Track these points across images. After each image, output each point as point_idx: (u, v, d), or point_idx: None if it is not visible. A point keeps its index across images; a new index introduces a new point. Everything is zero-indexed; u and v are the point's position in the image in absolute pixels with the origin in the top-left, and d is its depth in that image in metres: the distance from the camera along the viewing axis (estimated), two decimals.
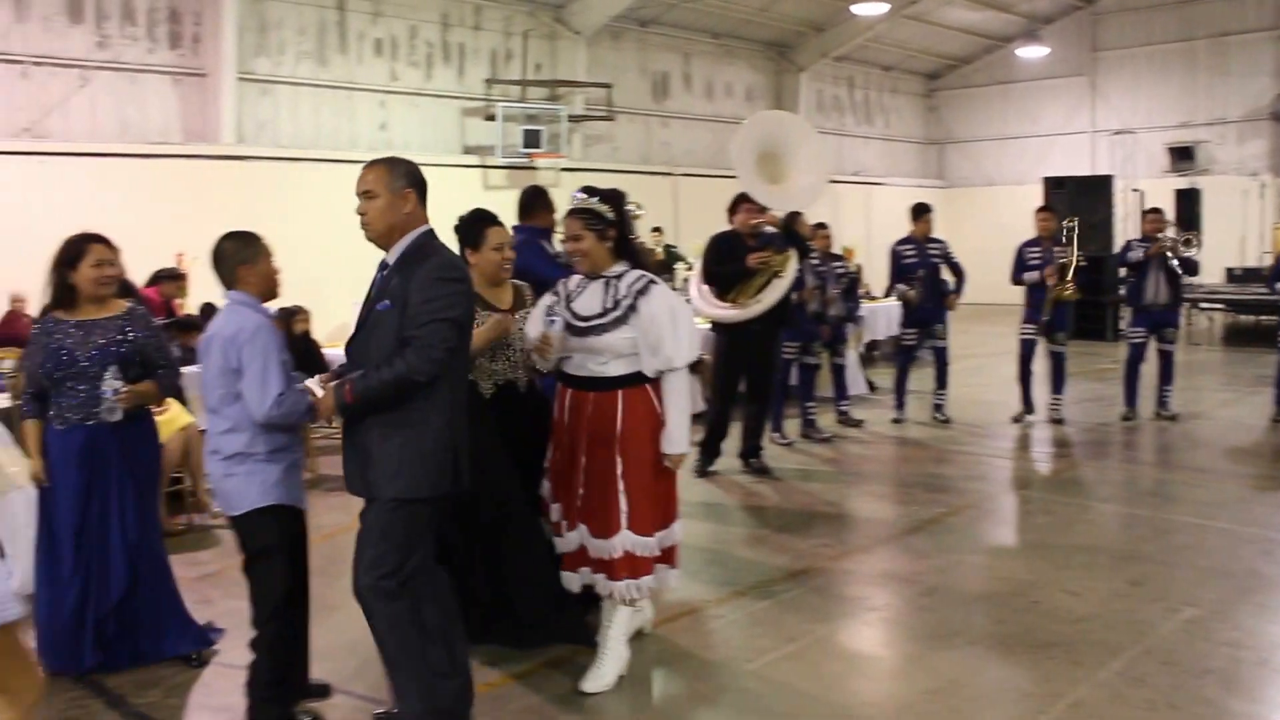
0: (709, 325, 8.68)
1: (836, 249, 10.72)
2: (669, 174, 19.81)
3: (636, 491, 4.41)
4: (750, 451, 8.55)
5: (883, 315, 13.93)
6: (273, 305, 4.38)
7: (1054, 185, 18.33)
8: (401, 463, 3.71)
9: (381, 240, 3.85)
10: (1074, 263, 10.16)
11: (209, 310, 7.08)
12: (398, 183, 3.80)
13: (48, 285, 4.80)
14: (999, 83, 25.66)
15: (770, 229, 8.30)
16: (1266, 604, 5.51)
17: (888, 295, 15.26)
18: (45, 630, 4.74)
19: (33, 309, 10.82)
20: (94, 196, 12.93)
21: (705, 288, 8.37)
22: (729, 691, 4.52)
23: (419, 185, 3.87)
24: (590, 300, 4.50)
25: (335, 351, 9.73)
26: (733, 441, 8.55)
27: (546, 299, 4.68)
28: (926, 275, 10.13)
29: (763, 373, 8.47)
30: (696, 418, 9.87)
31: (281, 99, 15.81)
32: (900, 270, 10.24)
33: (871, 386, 12.52)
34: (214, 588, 5.93)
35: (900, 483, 8.41)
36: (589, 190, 4.56)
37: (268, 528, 4.07)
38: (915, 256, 10.13)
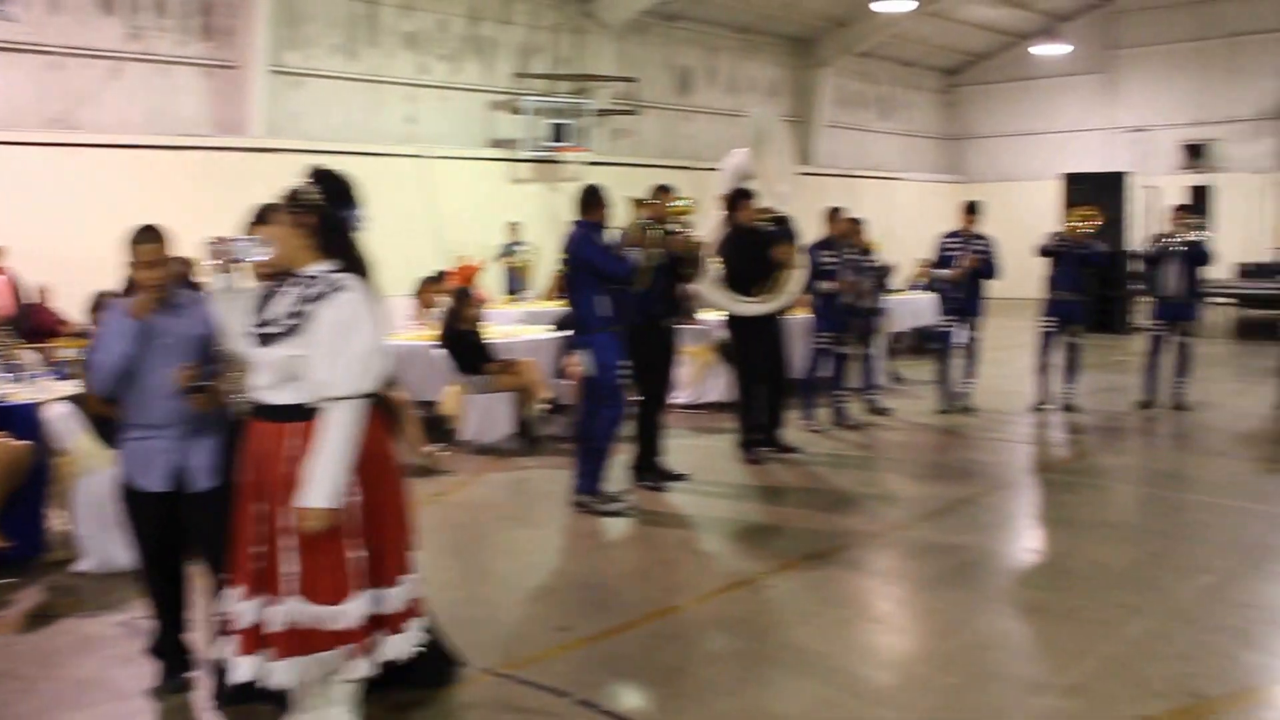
0: (725, 319, 9.02)
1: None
2: (693, 168, 20.16)
3: (312, 551, 3.68)
4: (774, 434, 8.98)
5: (906, 308, 14.31)
6: None
7: (1072, 181, 18.73)
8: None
9: None
10: None
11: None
12: None
13: None
14: (1017, 79, 26.01)
15: (768, 224, 8.73)
16: (1276, 572, 6.04)
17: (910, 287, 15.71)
18: None
19: (61, 301, 11.18)
20: (124, 188, 13.25)
21: (717, 282, 8.71)
22: (790, 649, 4.95)
23: None
24: (276, 306, 3.80)
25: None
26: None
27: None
28: (967, 268, 10.50)
29: (778, 359, 8.91)
30: (727, 407, 10.33)
31: (312, 92, 16.11)
32: (942, 261, 10.72)
33: (896, 377, 12.88)
34: None
35: (932, 466, 8.87)
36: (311, 171, 3.89)
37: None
38: (958, 249, 10.56)
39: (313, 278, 3.75)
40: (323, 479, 3.59)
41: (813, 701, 4.39)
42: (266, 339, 3.73)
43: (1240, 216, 21.22)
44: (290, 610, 3.70)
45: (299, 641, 3.70)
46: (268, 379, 3.74)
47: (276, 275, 3.88)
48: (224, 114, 15.18)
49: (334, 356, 3.61)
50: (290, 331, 3.67)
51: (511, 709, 4.33)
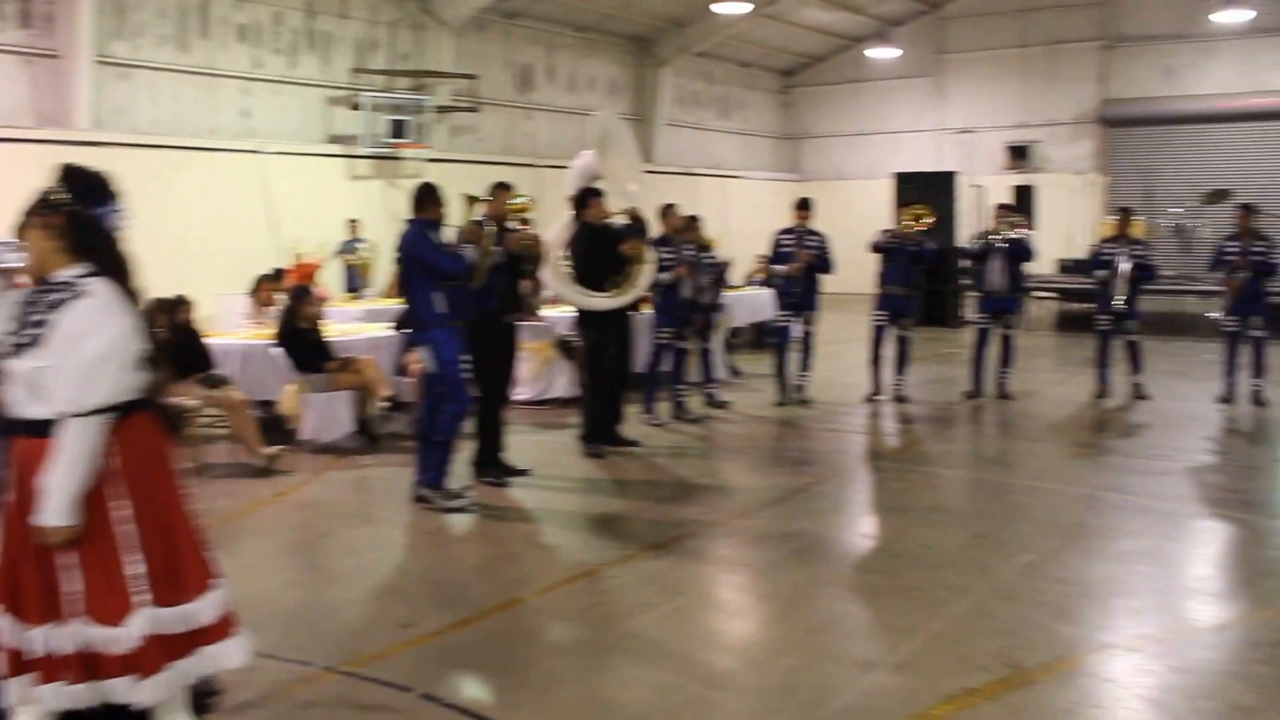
0: (576, 314, 9.11)
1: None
2: (533, 165, 20.17)
3: (91, 569, 3.51)
4: (615, 428, 9.07)
5: (744, 303, 14.59)
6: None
7: (903, 180, 19.36)
8: None
9: None
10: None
11: None
12: None
13: None
14: (851, 81, 26.72)
15: (620, 220, 8.88)
16: (1090, 548, 6.37)
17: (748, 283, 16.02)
18: None
19: None
20: None
21: (568, 279, 8.78)
22: (631, 638, 5.04)
23: None
24: (31, 314, 3.55)
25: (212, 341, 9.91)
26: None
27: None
28: (802, 264, 10.77)
29: (625, 355, 9.10)
30: (569, 403, 10.42)
31: (140, 84, 15.54)
32: (778, 257, 10.94)
33: (734, 371, 13.13)
34: None
35: (769, 457, 9.12)
36: (60, 169, 3.67)
37: None
38: (792, 245, 10.81)
39: (62, 284, 3.53)
40: (55, 495, 3.41)
41: (653, 687, 4.47)
42: (18, 349, 3.50)
43: (1060, 215, 22.22)
44: (77, 633, 3.50)
45: (91, 664, 3.51)
46: (21, 392, 3.51)
47: (40, 280, 3.65)
48: (45, 105, 14.55)
49: (68, 365, 3.41)
50: (34, 342, 3.46)
51: (354, 706, 4.31)
